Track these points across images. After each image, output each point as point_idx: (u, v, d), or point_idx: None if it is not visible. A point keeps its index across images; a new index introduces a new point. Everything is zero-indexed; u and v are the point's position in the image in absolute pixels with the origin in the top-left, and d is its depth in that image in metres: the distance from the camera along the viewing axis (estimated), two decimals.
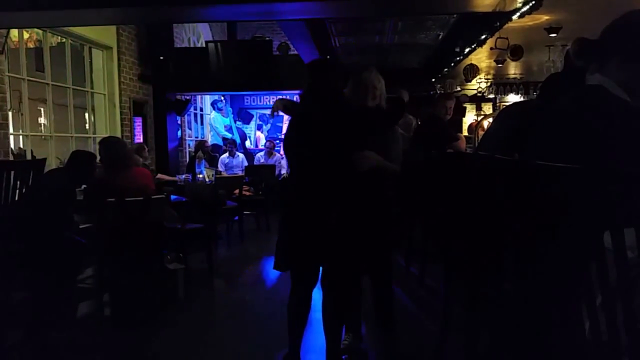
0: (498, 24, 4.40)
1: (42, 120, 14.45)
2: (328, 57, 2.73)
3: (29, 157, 6.57)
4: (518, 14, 3.74)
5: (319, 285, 2.97)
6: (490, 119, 9.09)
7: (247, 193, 8.04)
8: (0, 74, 5.59)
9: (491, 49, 5.58)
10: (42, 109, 13.40)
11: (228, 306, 4.55)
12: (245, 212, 7.55)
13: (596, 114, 1.60)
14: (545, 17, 4.60)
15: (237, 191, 7.54)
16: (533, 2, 3.44)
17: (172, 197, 5.70)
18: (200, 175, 7.72)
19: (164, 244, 4.60)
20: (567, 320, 1.37)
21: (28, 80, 6.44)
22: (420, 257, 4.86)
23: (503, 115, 3.00)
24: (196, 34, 11.97)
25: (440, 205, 3.51)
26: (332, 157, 2.76)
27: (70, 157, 4.41)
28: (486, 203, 2.06)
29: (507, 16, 3.94)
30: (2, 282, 3.99)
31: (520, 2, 3.59)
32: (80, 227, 4.76)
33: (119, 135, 8.17)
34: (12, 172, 3.96)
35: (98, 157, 4.63)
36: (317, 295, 2.98)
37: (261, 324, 3.99)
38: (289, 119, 3.00)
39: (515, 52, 5.44)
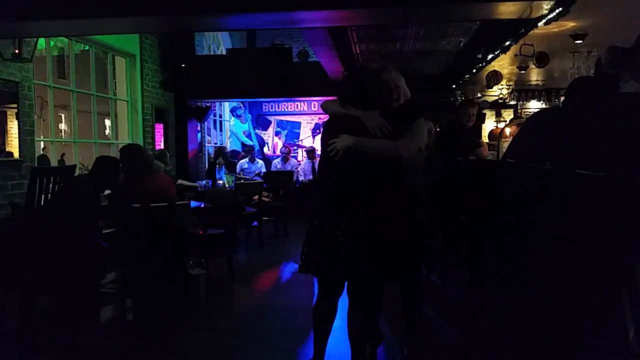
0: (523, 30, 4.36)
1: (62, 126, 14.66)
2: (374, 65, 2.69)
3: (52, 163, 6.67)
4: (544, 20, 3.71)
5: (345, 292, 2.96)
6: (514, 126, 9.01)
7: (266, 199, 8.07)
8: (28, 81, 5.69)
9: (515, 55, 5.53)
10: (62, 115, 13.60)
11: (250, 312, 4.55)
12: (263, 218, 7.58)
13: (634, 122, 1.58)
14: (571, 24, 4.54)
15: (256, 197, 7.57)
16: (560, 9, 3.40)
17: (192, 202, 5.74)
18: (221, 182, 7.78)
19: (186, 249, 4.62)
20: (609, 326, 1.34)
21: (54, 87, 6.55)
22: (442, 266, 4.82)
23: (531, 122, 2.96)
24: (216, 42, 12.09)
25: (466, 212, 3.48)
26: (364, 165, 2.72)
27: (95, 163, 4.47)
28: (519, 211, 2.03)
29: (532, 23, 3.90)
30: (29, 287, 4.04)
31: (546, 9, 3.56)
32: (103, 232, 4.81)
33: (141, 141, 8.27)
34: (45, 179, 4.03)
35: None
36: (343, 302, 2.96)
37: (283, 331, 3.99)
38: (323, 122, 2.98)
39: (541, 59, 5.39)
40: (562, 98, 3.50)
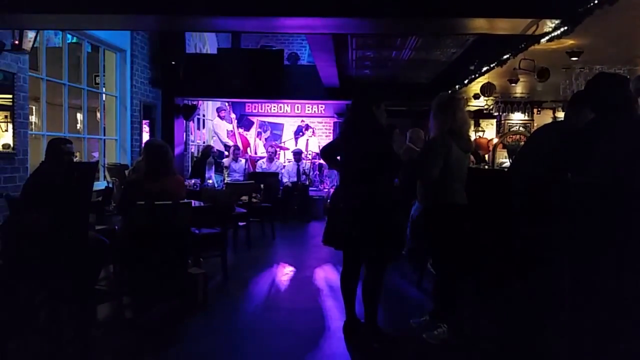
0: (524, 45, 4.51)
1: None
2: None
3: None
4: (547, 37, 3.86)
5: None
6: (498, 137, 9.25)
7: (254, 200, 8.09)
8: (23, 73, 5.60)
9: (514, 69, 5.70)
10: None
11: (248, 312, 4.59)
12: (250, 219, 7.59)
13: None
14: (570, 42, 4.72)
15: (245, 197, 7.58)
16: (565, 28, 3.55)
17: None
18: (210, 181, 7.77)
19: (187, 248, 4.63)
20: None
21: (47, 80, 6.45)
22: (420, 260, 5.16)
23: (540, 136, 3.10)
24: (202, 40, 12.03)
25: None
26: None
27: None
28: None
29: (535, 39, 4.05)
30: (25, 282, 3.98)
31: (550, 27, 3.70)
32: (96, 228, 4.76)
33: (129, 137, 8.20)
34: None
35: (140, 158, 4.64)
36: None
37: (283, 331, 4.04)
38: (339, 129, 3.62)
39: (542, 74, 5.59)
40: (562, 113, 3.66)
